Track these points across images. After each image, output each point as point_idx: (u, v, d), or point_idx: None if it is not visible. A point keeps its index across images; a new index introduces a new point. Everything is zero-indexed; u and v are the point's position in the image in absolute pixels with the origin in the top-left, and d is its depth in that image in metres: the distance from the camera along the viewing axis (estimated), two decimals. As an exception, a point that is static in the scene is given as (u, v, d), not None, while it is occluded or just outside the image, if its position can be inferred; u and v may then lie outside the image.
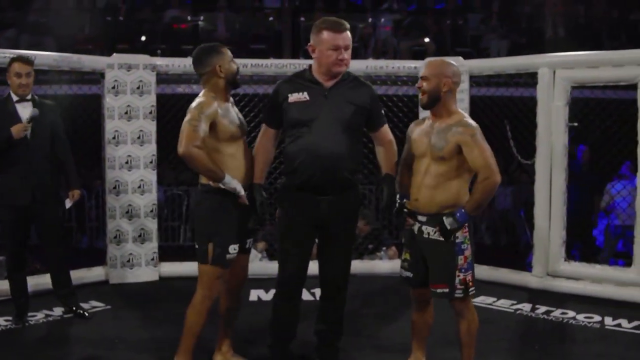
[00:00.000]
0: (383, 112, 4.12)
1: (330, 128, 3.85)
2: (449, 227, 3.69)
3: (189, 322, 3.92)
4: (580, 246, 8.18)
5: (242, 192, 3.82)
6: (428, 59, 4.01)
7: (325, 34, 3.85)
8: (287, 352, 4.24)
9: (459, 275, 3.77)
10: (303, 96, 3.90)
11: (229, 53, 3.94)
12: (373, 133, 4.13)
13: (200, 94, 3.89)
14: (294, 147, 3.91)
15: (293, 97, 3.91)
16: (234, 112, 3.94)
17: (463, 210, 3.69)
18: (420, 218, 3.82)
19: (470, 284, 3.82)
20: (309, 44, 3.97)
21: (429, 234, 3.79)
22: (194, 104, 3.80)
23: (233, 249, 3.86)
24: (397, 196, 3.93)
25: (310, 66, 4.01)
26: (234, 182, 3.78)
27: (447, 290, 3.77)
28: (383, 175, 4.08)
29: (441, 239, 3.74)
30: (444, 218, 3.70)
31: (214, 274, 3.88)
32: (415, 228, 3.84)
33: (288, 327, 4.21)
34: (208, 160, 3.72)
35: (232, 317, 4.19)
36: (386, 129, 4.13)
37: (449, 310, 3.94)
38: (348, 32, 3.88)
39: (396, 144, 4.16)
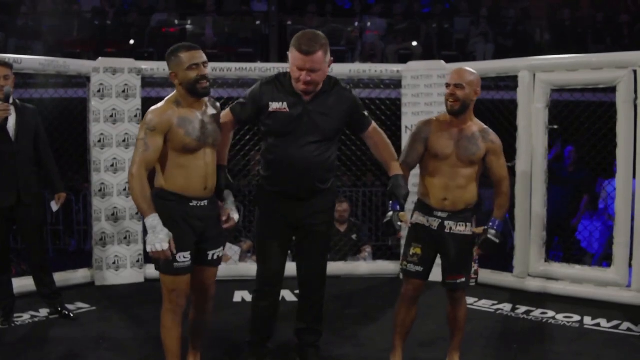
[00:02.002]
0: (367, 113, 4.09)
1: (305, 141, 3.86)
2: (497, 241, 3.95)
3: (163, 340, 3.74)
4: (563, 247, 8.24)
5: (161, 246, 3.42)
6: (456, 68, 4.06)
7: (293, 52, 3.78)
8: (266, 349, 4.29)
9: (474, 267, 4.05)
10: (283, 106, 3.86)
11: (186, 59, 3.59)
12: (361, 135, 4.16)
13: (167, 97, 3.69)
14: (269, 156, 3.98)
15: (274, 106, 3.87)
16: (198, 121, 3.63)
17: (498, 222, 3.98)
18: (440, 214, 3.98)
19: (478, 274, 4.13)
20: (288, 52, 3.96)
21: (451, 228, 3.98)
22: (150, 110, 3.60)
23: (182, 257, 3.60)
24: (392, 204, 3.93)
25: None
26: (159, 229, 3.44)
27: (464, 279, 4.02)
28: (391, 176, 3.98)
29: (467, 232, 3.98)
30: (489, 235, 3.94)
31: (167, 284, 3.66)
32: (435, 224, 3.99)
33: (267, 325, 4.25)
34: (141, 193, 3.46)
35: (199, 330, 4.01)
36: (374, 128, 4.10)
37: (425, 309, 4.01)
38: (317, 54, 3.73)
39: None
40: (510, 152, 6.18)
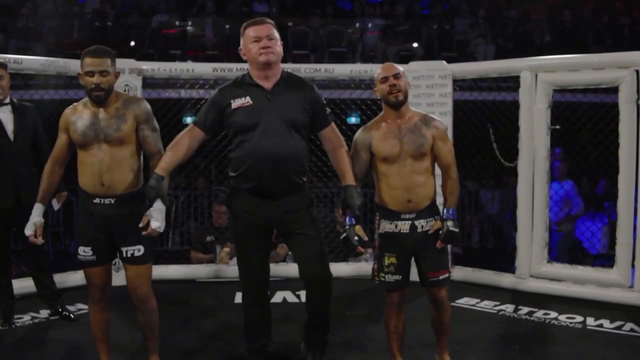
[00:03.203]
0: (329, 110, 4.05)
1: (275, 130, 3.81)
2: (457, 230, 3.85)
3: None
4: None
5: (27, 232, 3.81)
6: (387, 64, 4.07)
7: (248, 30, 3.87)
8: (265, 354, 4.23)
9: (449, 260, 4.03)
10: (246, 101, 3.85)
11: (86, 64, 3.73)
12: (319, 133, 4.06)
13: None
14: (240, 152, 3.87)
15: (236, 103, 3.86)
16: (91, 118, 3.77)
17: (452, 210, 3.87)
18: (408, 216, 3.88)
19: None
20: (239, 48, 3.97)
21: (422, 226, 3.90)
22: None
23: (82, 250, 3.84)
24: (347, 219, 3.88)
25: (248, 71, 3.97)
26: (34, 215, 3.83)
27: (447, 275, 3.96)
28: (344, 186, 3.94)
29: (437, 227, 3.88)
30: (447, 225, 3.83)
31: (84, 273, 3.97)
32: (406, 226, 3.89)
33: (260, 329, 4.19)
34: (43, 182, 3.88)
35: (145, 331, 4.09)
36: (333, 129, 4.06)
37: (424, 311, 3.99)
38: (270, 26, 3.88)
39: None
40: (512, 152, 6.19)
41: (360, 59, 12.05)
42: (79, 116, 3.79)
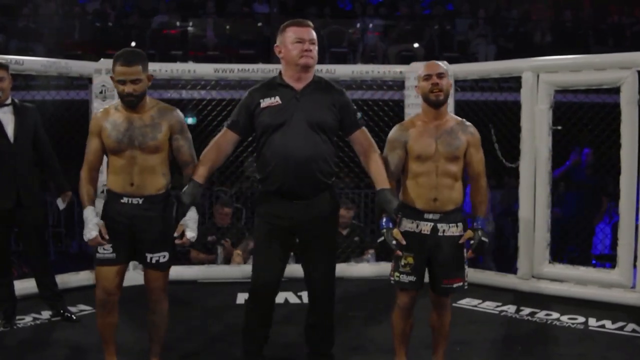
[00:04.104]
0: (360, 115, 4.02)
1: (303, 130, 3.80)
2: (487, 240, 3.83)
3: None
4: (575, 248, 8.20)
5: (90, 235, 3.71)
6: (432, 62, 4.02)
7: (289, 31, 3.86)
8: (260, 356, 4.19)
9: (465, 269, 3.94)
10: (275, 100, 3.85)
11: (118, 72, 3.70)
12: (349, 137, 4.03)
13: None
14: (267, 152, 3.86)
15: (265, 103, 3.86)
16: (126, 124, 3.76)
17: (482, 220, 3.85)
18: (432, 217, 3.84)
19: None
20: (275, 45, 3.97)
21: (444, 231, 3.85)
22: None
23: (103, 248, 3.78)
24: (383, 222, 3.77)
25: (280, 72, 3.98)
26: (88, 220, 3.73)
27: (461, 284, 3.91)
28: (378, 190, 3.82)
29: (459, 234, 3.85)
30: (479, 235, 3.81)
31: (95, 273, 3.92)
32: (428, 228, 3.85)
33: (260, 332, 4.16)
34: (83, 187, 3.80)
35: (151, 333, 4.09)
36: (363, 133, 4.00)
37: (422, 312, 4.04)
38: (311, 29, 3.88)
39: (379, 149, 4.06)
40: (514, 153, 6.18)
41: (361, 59, 12.05)
42: (112, 121, 3.78)
